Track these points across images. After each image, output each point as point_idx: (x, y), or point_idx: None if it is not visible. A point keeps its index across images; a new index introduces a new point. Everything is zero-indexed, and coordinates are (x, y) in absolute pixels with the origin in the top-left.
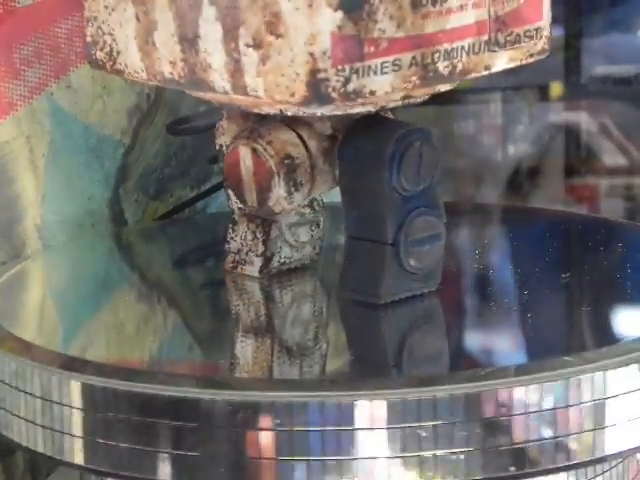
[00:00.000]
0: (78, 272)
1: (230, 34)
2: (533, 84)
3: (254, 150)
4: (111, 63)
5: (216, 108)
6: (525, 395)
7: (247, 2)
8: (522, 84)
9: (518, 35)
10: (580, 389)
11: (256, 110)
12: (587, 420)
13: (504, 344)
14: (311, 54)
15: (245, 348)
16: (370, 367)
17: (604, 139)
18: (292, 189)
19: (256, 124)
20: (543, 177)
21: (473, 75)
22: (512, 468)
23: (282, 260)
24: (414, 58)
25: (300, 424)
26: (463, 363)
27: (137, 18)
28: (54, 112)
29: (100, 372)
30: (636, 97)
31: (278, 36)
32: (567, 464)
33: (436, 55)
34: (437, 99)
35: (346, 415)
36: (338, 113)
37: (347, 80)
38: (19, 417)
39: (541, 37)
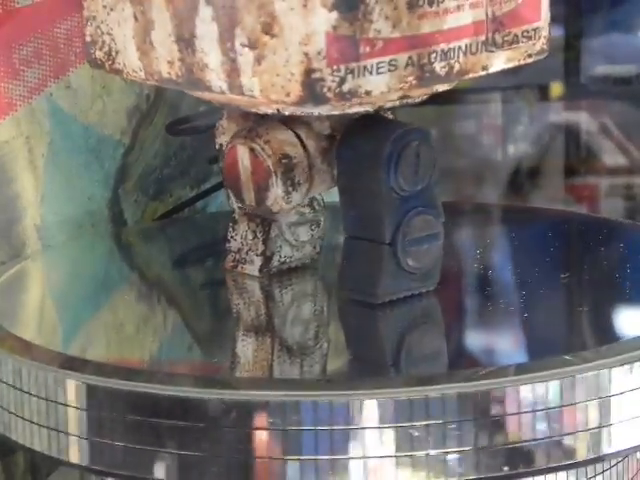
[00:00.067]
0: (78, 272)
1: (226, 34)
2: (533, 84)
3: (252, 149)
4: (110, 62)
5: (215, 108)
6: (525, 394)
7: (243, 2)
8: (522, 84)
9: (516, 35)
10: (579, 388)
11: (254, 110)
12: (587, 419)
13: (502, 344)
14: (306, 54)
15: (244, 348)
16: (367, 367)
17: (604, 139)
18: (290, 188)
19: (255, 124)
20: (543, 177)
21: (471, 75)
22: (505, 468)
23: (282, 259)
24: (410, 58)
25: (296, 423)
26: (460, 363)
27: (135, 17)
28: (53, 112)
29: (100, 372)
30: (636, 97)
31: (273, 36)
32: (567, 463)
33: (433, 55)
34: (437, 99)
35: (342, 415)
36: (336, 113)
37: (342, 80)
38: (19, 417)
39: (539, 37)
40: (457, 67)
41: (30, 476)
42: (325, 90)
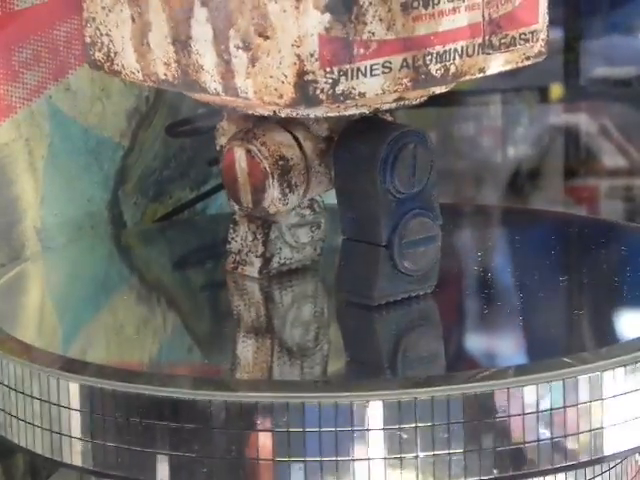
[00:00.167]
0: (77, 274)
1: (221, 36)
2: (533, 86)
3: (248, 151)
4: (109, 64)
5: (215, 110)
6: (524, 396)
7: (236, 4)
8: (522, 86)
9: (513, 38)
10: (578, 390)
11: (250, 111)
12: (585, 421)
13: (500, 346)
14: (298, 56)
15: (244, 349)
16: (364, 369)
17: (604, 140)
18: (286, 190)
19: (253, 125)
20: (543, 178)
21: (467, 77)
22: (495, 470)
23: (282, 261)
24: (405, 60)
25: (293, 425)
26: (458, 365)
27: (132, 19)
28: (53, 114)
29: (100, 374)
30: (636, 98)
31: (266, 38)
32: (566, 465)
33: (428, 57)
34: (437, 101)
35: (339, 416)
36: (332, 115)
37: (335, 82)
38: (19, 419)
39: (538, 40)
40: (453, 69)
41: (30, 478)
42: (318, 92)
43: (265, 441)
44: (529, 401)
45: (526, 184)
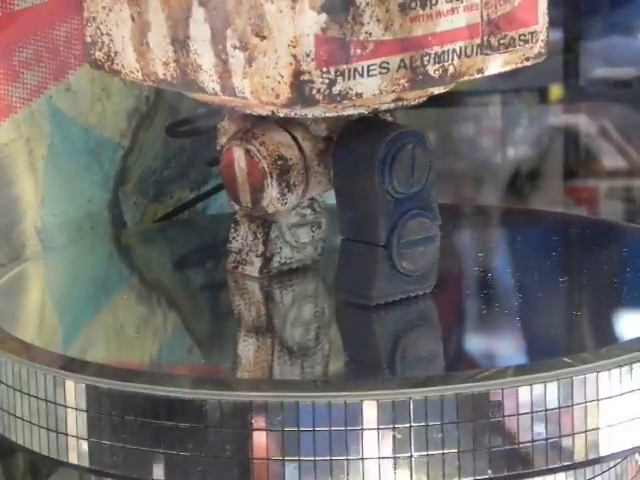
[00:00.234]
0: (78, 274)
1: (218, 35)
2: (533, 87)
3: (247, 151)
4: (109, 63)
5: (215, 110)
6: (523, 396)
7: (234, 4)
8: (522, 87)
9: (512, 39)
10: (578, 390)
11: (249, 111)
12: (585, 421)
13: (499, 346)
14: (294, 56)
15: (244, 349)
16: (362, 369)
17: (603, 141)
18: (285, 190)
19: (252, 125)
20: (543, 179)
21: (466, 78)
22: (505, 469)
23: (282, 260)
24: (402, 61)
25: (290, 424)
26: (456, 365)
27: (132, 19)
28: (53, 114)
29: (100, 373)
30: (635, 99)
31: (263, 38)
32: (565, 464)
33: (426, 58)
34: (437, 102)
35: (336, 416)
36: (330, 115)
37: (332, 82)
38: (19, 418)
39: (537, 41)
40: (451, 70)
41: (30, 477)
42: (314, 92)
43: (260, 440)
44: (526, 401)
45: (526, 185)
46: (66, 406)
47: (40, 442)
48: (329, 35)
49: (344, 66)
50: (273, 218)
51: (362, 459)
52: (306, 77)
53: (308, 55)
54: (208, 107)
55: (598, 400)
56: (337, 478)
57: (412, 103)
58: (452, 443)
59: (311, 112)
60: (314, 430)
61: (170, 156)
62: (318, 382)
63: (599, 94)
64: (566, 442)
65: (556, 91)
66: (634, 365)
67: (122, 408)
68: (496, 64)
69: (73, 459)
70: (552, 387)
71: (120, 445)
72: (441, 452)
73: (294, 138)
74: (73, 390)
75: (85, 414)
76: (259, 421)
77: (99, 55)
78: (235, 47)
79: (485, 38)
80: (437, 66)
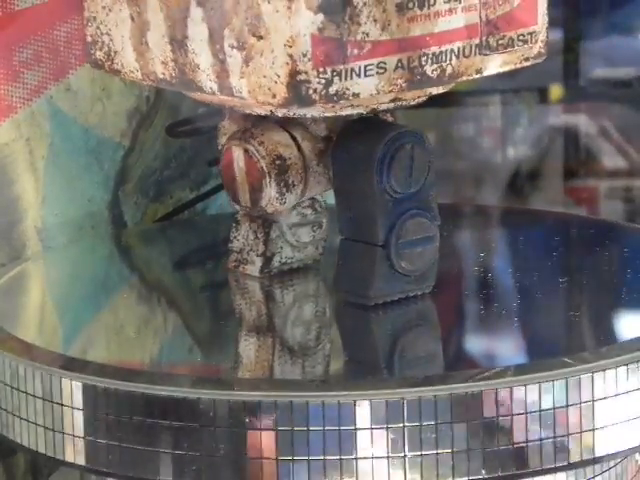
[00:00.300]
0: (78, 274)
1: (216, 35)
2: (533, 87)
3: (246, 151)
4: (109, 63)
5: (215, 110)
6: (522, 396)
7: (231, 4)
8: (522, 87)
9: (511, 39)
10: (577, 390)
11: (247, 111)
12: (584, 420)
13: (498, 346)
14: (290, 56)
15: (245, 349)
16: (361, 369)
17: (603, 141)
18: (284, 190)
19: (252, 125)
20: (543, 179)
21: (464, 78)
22: (483, 471)
23: (283, 260)
24: (400, 61)
25: (290, 424)
26: (455, 365)
27: (132, 18)
28: (54, 114)
29: (100, 373)
30: (635, 99)
31: (260, 38)
32: (565, 464)
33: (423, 58)
34: (437, 102)
35: (335, 416)
36: (329, 115)
37: (329, 82)
38: (20, 418)
39: (537, 41)
40: (449, 70)
41: (31, 476)
42: (311, 92)
43: (265, 440)
44: (529, 400)
45: (526, 185)
46: (66, 405)
47: (40, 441)
48: (326, 35)
49: (341, 66)
50: (274, 218)
51: (356, 459)
52: (302, 77)
53: (305, 55)
54: (208, 107)
55: (598, 400)
56: (331, 477)
57: (411, 103)
58: (460, 443)
59: (309, 112)
60: (308, 430)
61: (170, 156)
62: (316, 382)
63: (599, 94)
64: (567, 442)
65: (556, 91)
66: (634, 365)
67: (122, 408)
68: (495, 64)
69: (73, 458)
70: (556, 386)
71: (121, 445)
72: (435, 452)
73: (293, 138)
74: (74, 390)
75: (85, 413)
76: (259, 420)
77: (99, 55)
78: (232, 47)
79: (484, 38)
80: (435, 66)
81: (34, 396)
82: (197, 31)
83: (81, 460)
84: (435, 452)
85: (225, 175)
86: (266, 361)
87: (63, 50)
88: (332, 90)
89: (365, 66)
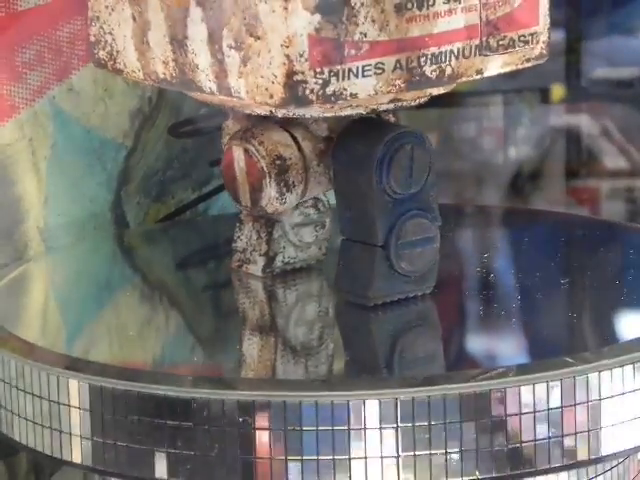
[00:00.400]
0: (81, 274)
1: (215, 35)
2: (534, 87)
3: (246, 150)
4: (112, 62)
5: (217, 110)
6: (525, 395)
7: (229, 4)
8: (523, 87)
9: (512, 40)
10: (580, 389)
11: (247, 111)
12: (587, 420)
13: (499, 346)
14: (287, 56)
15: (247, 348)
16: (361, 369)
17: (605, 141)
18: (284, 190)
19: (252, 125)
20: (544, 179)
21: (464, 79)
22: (506, 469)
23: (286, 260)
24: (398, 62)
25: (289, 424)
26: (456, 365)
27: (133, 18)
28: (56, 115)
29: (103, 373)
30: (637, 99)
31: (257, 38)
32: (567, 464)
33: (422, 59)
34: (438, 102)
35: (336, 415)
36: (328, 115)
37: (326, 82)
38: (22, 418)
39: (538, 42)
40: (449, 71)
41: (33, 476)
42: (308, 92)
43: (260, 439)
44: (532, 400)
45: (527, 185)
46: (69, 405)
47: (43, 441)
48: (323, 35)
49: (338, 66)
50: (277, 217)
51: (349, 459)
52: (299, 77)
53: (301, 55)
54: (210, 107)
55: (600, 399)
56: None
57: (412, 104)
58: (467, 442)
59: (308, 112)
60: (302, 430)
61: (172, 156)
62: (315, 381)
63: (601, 94)
64: (568, 442)
65: (558, 91)
66: (637, 364)
67: (125, 408)
68: (496, 65)
69: (76, 458)
70: (558, 386)
71: (123, 444)
72: (442, 452)
73: (294, 138)
74: (76, 390)
75: (88, 413)
76: (259, 420)
77: (102, 54)
78: (231, 47)
79: (484, 39)
80: (434, 67)
81: (37, 396)
82: (197, 31)
83: (83, 460)
84: (444, 451)
85: (226, 175)
86: (268, 361)
87: (66, 50)
88: (329, 90)
89: (363, 66)
